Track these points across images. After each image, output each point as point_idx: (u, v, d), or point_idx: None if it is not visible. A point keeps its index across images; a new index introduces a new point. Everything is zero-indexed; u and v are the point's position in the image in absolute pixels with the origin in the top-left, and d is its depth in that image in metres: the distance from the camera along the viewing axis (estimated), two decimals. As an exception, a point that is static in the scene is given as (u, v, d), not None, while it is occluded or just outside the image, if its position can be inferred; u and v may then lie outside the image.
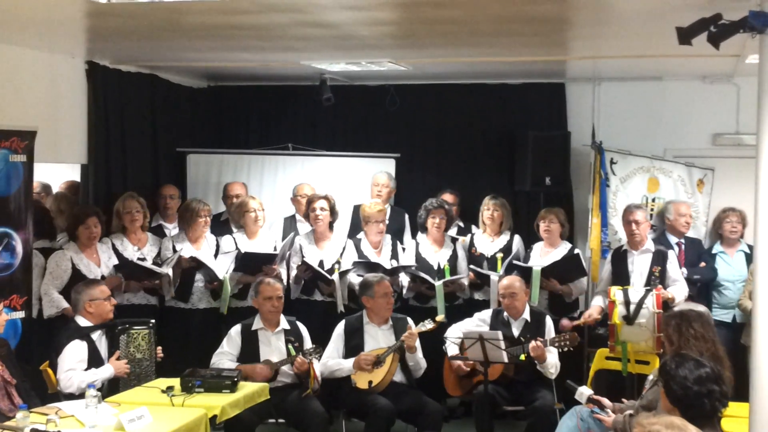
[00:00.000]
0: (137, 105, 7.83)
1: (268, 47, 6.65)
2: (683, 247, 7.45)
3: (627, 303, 6.39)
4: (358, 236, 7.46)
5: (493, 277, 7.10)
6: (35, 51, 6.69)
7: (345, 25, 5.65)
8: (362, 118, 8.89)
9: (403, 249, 7.49)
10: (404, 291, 7.29)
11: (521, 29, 5.81)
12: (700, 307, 5.68)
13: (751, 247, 7.41)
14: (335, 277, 7.02)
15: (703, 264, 7.39)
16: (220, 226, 7.65)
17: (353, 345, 6.45)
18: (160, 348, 5.94)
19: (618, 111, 8.39)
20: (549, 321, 6.64)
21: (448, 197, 7.79)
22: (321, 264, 7.17)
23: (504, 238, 7.49)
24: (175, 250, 7.00)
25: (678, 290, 6.83)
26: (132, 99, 7.73)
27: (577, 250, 7.39)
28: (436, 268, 7.33)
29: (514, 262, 7.14)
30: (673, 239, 7.48)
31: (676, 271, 6.98)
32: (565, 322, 6.86)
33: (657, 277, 6.87)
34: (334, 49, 6.67)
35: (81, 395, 5.06)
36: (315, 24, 5.59)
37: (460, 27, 5.75)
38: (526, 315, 6.61)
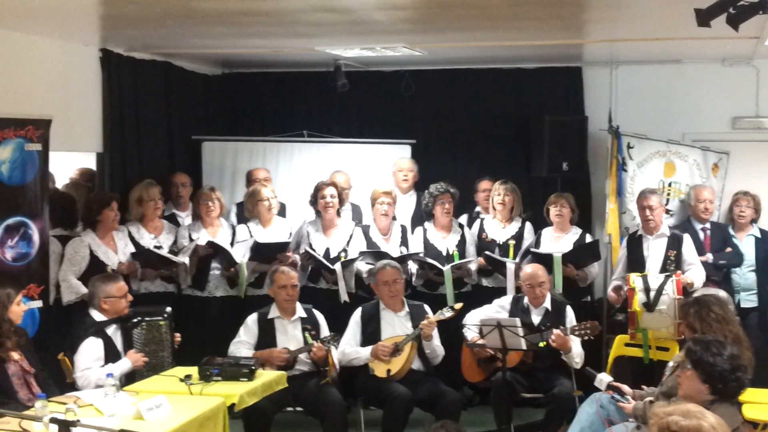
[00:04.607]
0: (151, 93, 7.81)
1: (283, 33, 6.62)
2: (708, 232, 7.37)
3: (647, 290, 6.34)
4: (367, 223, 7.43)
5: (509, 264, 7.05)
6: (49, 39, 6.68)
7: (360, 9, 5.61)
8: (377, 104, 8.84)
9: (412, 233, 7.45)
10: (413, 279, 7.25)
11: (537, 12, 5.75)
12: (715, 290, 5.67)
13: (762, 231, 7.36)
14: (337, 266, 6.99)
15: (729, 249, 7.29)
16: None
17: (370, 332, 6.44)
18: (178, 335, 5.92)
19: (636, 95, 8.30)
20: (570, 310, 6.59)
21: (486, 185, 7.70)
22: (327, 252, 7.16)
23: (515, 225, 7.44)
24: (191, 239, 7.00)
25: (695, 275, 6.77)
26: (146, 87, 7.71)
27: (588, 236, 7.34)
28: (444, 254, 7.29)
29: (532, 249, 7.09)
30: (698, 225, 7.41)
31: (692, 255, 6.90)
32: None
33: (673, 261, 6.81)
34: (348, 34, 6.63)
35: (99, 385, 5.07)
36: (329, 9, 5.55)
37: (475, 10, 5.69)
38: (547, 303, 6.56)
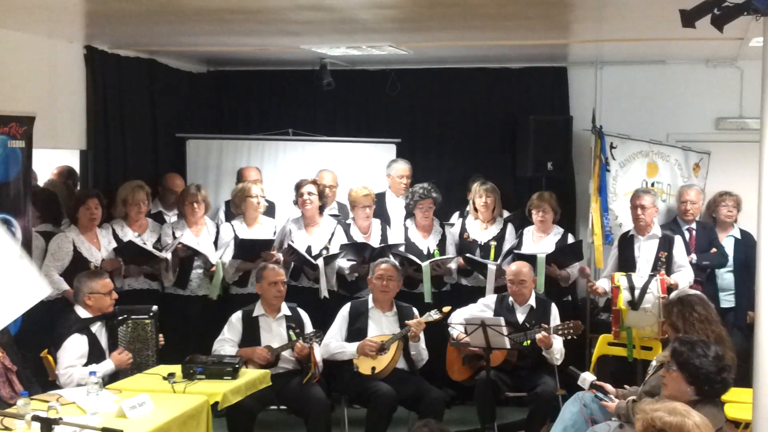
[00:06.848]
0: (136, 90, 7.78)
1: (268, 31, 6.61)
2: (694, 232, 7.39)
3: (632, 288, 6.36)
4: (348, 221, 7.44)
5: (491, 266, 7.06)
6: (33, 36, 6.64)
7: (345, 8, 5.61)
8: (363, 103, 8.85)
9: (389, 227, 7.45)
10: None
11: (523, 12, 5.77)
12: (695, 292, 5.71)
13: (742, 232, 7.39)
14: (320, 262, 6.99)
15: (714, 250, 7.31)
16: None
17: (356, 328, 6.44)
18: (161, 337, 5.90)
19: (621, 95, 8.33)
20: (554, 309, 6.61)
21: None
22: (309, 249, 7.15)
23: (497, 227, 7.44)
24: (175, 237, 6.98)
25: (682, 276, 6.79)
26: (131, 84, 7.68)
27: (570, 235, 7.36)
28: (425, 252, 7.29)
29: (516, 251, 7.10)
30: (684, 225, 7.43)
31: (682, 256, 6.93)
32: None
33: (664, 262, 6.83)
34: (334, 33, 6.63)
35: (82, 384, 5.05)
36: (315, 7, 5.55)
37: (461, 10, 5.70)
38: (532, 302, 6.58)
